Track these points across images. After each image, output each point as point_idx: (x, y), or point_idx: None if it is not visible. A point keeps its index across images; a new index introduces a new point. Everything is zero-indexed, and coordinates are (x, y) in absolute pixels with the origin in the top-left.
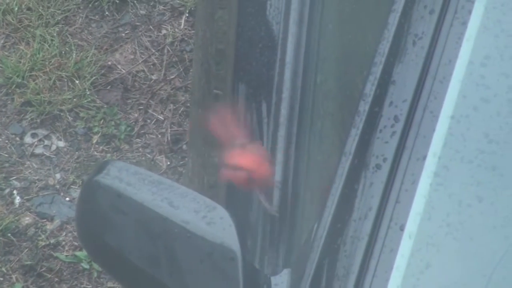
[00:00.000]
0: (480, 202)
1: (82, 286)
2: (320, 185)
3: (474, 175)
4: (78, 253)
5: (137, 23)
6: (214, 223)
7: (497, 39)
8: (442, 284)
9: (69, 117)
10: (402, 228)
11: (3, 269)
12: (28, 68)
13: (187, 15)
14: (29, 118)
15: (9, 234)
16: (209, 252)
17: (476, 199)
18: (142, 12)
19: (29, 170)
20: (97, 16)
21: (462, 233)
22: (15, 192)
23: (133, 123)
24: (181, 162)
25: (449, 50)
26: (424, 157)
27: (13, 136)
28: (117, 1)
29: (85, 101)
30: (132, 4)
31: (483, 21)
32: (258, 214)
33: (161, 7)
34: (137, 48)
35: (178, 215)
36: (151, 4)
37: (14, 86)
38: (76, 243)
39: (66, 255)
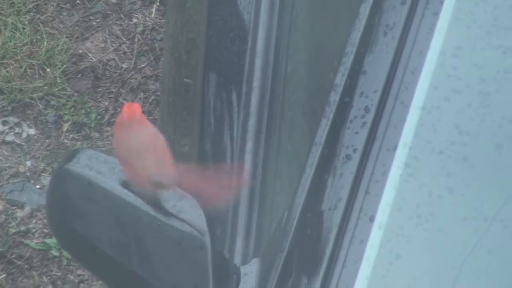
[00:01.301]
0: (451, 193)
1: (52, 273)
2: (290, 175)
3: (445, 166)
4: (48, 240)
5: (108, 12)
6: (184, 212)
7: (469, 30)
8: (411, 275)
9: (40, 105)
10: (372, 219)
11: None
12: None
13: (158, 4)
14: (0, 106)
15: None
16: (179, 240)
17: (447, 190)
18: (113, 1)
19: (0, 158)
20: (68, 5)
21: (432, 224)
22: None
23: (104, 111)
24: None
25: (421, 41)
26: (395, 148)
27: None
28: None
29: (56, 89)
30: None
31: (455, 12)
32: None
33: None
34: (108, 36)
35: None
36: None
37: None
38: (46, 231)
39: (36, 243)
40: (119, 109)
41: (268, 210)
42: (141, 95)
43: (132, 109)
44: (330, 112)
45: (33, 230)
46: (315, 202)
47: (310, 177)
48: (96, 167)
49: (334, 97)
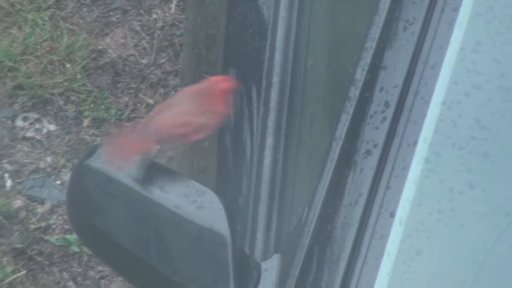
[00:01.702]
0: (472, 189)
1: (72, 269)
2: (310, 170)
3: (466, 162)
4: (68, 236)
5: (128, 8)
6: (204, 208)
7: (489, 25)
8: (432, 271)
9: (60, 101)
10: (392, 215)
11: None
12: (19, 52)
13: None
14: (21, 102)
15: (0, 217)
16: (199, 236)
17: (468, 185)
18: None
19: (20, 153)
20: (88, 1)
21: (453, 220)
22: (6, 175)
23: (123, 107)
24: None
25: (441, 36)
26: (415, 143)
27: (4, 119)
28: None
29: (76, 85)
30: None
31: (475, 7)
32: (249, 199)
33: None
34: (127, 32)
35: (168, 199)
36: None
37: (5, 70)
38: (66, 226)
39: (57, 238)
40: (139, 104)
41: (289, 206)
42: (161, 90)
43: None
44: (350, 107)
45: (54, 226)
46: (335, 198)
47: (330, 173)
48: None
49: (354, 92)
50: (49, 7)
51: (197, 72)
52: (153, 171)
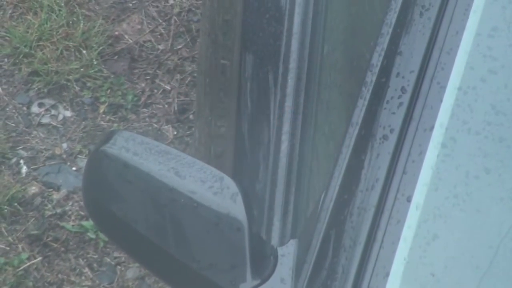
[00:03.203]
0: (488, 173)
1: (89, 256)
2: (327, 156)
3: (482, 147)
4: (84, 223)
5: None
6: (221, 193)
7: (505, 11)
8: (449, 255)
9: (76, 87)
10: (409, 199)
11: (10, 238)
12: (35, 38)
13: None
14: (36, 88)
15: (16, 204)
16: (216, 222)
17: (484, 170)
18: None
19: (36, 140)
20: None
21: (469, 205)
22: (21, 161)
23: (140, 93)
24: (188, 132)
25: (456, 22)
26: (431, 128)
27: (20, 105)
28: None
29: (92, 71)
30: None
31: None
32: (265, 184)
33: None
34: (144, 18)
35: (184, 185)
36: None
37: (21, 56)
38: (82, 213)
39: (73, 225)
40: (155, 90)
41: (305, 191)
42: (178, 76)
43: None
44: (366, 93)
45: (69, 213)
46: (352, 183)
47: (347, 158)
48: (132, 149)
49: (371, 78)
50: None
51: (214, 58)
52: (170, 157)
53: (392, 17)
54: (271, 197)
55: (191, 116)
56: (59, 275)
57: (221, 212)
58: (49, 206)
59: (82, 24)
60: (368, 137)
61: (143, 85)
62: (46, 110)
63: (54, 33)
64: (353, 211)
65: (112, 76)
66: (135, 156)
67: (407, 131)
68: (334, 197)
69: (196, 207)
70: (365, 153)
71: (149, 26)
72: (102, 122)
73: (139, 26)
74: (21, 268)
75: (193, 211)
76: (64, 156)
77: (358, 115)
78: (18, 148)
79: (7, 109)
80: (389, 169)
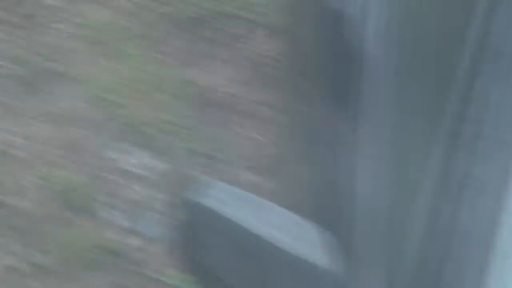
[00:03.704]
0: None
1: None
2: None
3: None
4: (168, 271)
5: (216, 36)
6: (302, 239)
7: None
8: None
9: (157, 132)
10: None
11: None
12: (121, 86)
13: (270, 31)
14: (124, 135)
15: (96, 250)
16: (296, 268)
17: None
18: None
19: (124, 188)
20: (175, 30)
21: None
22: (101, 206)
23: (215, 138)
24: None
25: None
26: None
27: (99, 150)
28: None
29: (168, 116)
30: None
31: None
32: (351, 234)
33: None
34: (217, 62)
35: (278, 237)
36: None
37: (114, 106)
38: (165, 261)
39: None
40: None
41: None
42: (253, 121)
43: None
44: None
45: (149, 260)
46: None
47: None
48: (224, 199)
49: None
50: (135, 36)
51: (291, 102)
52: (262, 208)
53: None
54: (359, 247)
55: (275, 163)
56: None
57: (301, 257)
58: (131, 253)
59: (166, 71)
60: None
61: (217, 129)
62: (134, 157)
63: (144, 81)
64: None
65: (186, 119)
66: (225, 206)
67: None
68: None
69: (277, 252)
70: None
71: (222, 69)
72: (192, 172)
73: (211, 70)
74: None
75: (274, 257)
76: (145, 202)
77: None
78: (100, 193)
79: (94, 155)
80: None
